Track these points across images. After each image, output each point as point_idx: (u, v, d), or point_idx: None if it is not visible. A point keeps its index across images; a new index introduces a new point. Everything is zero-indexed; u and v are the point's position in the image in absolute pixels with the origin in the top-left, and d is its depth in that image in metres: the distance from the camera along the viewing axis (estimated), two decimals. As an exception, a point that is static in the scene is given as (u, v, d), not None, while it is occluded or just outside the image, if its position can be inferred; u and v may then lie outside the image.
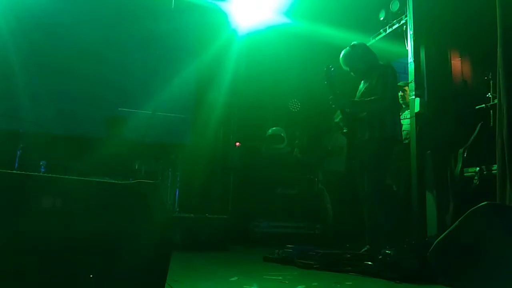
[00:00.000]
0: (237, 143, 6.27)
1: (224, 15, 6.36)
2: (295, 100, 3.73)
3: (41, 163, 4.48)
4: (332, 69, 3.68)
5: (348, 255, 3.20)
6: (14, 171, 1.69)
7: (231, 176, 5.79)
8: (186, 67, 6.59)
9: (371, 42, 5.27)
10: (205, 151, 6.73)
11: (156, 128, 4.87)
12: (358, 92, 3.78)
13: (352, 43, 3.85)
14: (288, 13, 6.45)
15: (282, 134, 5.96)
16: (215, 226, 4.46)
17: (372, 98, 3.51)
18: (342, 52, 3.80)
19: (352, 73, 3.80)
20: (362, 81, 3.77)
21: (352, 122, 3.67)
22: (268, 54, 6.44)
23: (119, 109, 5.86)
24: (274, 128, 6.27)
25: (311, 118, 6.87)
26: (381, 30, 5.17)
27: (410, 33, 4.52)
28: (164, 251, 1.80)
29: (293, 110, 7.19)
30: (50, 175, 1.81)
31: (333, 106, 3.72)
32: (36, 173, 1.83)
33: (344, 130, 3.79)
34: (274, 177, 5.33)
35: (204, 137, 6.76)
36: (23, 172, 1.74)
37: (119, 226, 1.72)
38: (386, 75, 3.56)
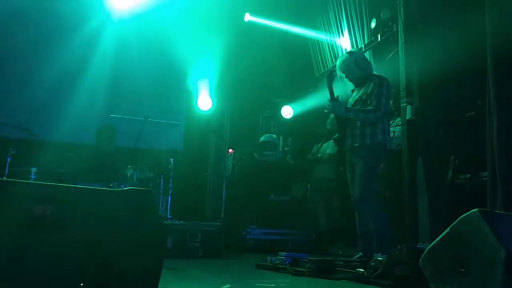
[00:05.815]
0: (230, 150, 6.27)
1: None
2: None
3: (31, 170, 4.43)
4: (335, 74, 3.72)
5: (341, 262, 3.20)
6: (3, 178, 1.68)
7: (224, 182, 5.77)
8: (178, 73, 6.59)
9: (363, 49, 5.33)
10: (198, 157, 6.72)
11: (148, 134, 4.85)
12: (351, 99, 3.81)
13: (349, 50, 3.90)
14: (285, 19, 6.51)
15: (275, 141, 5.97)
16: (207, 233, 4.45)
17: (368, 108, 3.55)
18: (340, 58, 3.84)
19: (346, 79, 3.84)
20: (356, 89, 3.81)
21: (344, 128, 3.70)
22: (260, 61, 6.47)
23: (111, 115, 5.84)
24: (266, 134, 6.28)
25: (303, 125, 6.91)
26: (373, 38, 5.22)
27: (401, 41, 4.58)
28: (156, 258, 1.79)
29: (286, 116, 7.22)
30: (41, 182, 1.80)
31: (326, 111, 3.74)
32: (26, 181, 1.81)
33: (335, 136, 3.82)
34: (266, 183, 5.33)
35: (196, 144, 6.75)
36: (13, 180, 1.72)
37: (111, 233, 1.71)
38: (381, 86, 3.61)
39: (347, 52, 3.85)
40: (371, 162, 3.54)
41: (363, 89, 3.69)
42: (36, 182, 3.92)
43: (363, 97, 3.63)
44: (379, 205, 3.56)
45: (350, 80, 3.84)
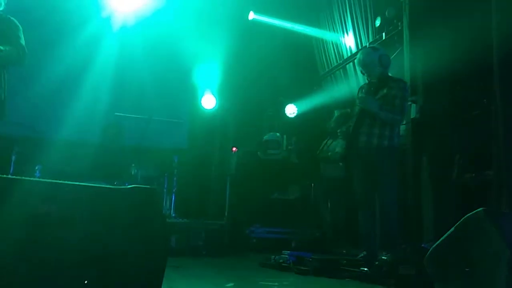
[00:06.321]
0: (234, 148, 6.28)
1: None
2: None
3: (36, 168, 4.45)
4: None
5: (345, 261, 3.19)
6: (9, 176, 1.68)
7: (228, 181, 5.78)
8: (182, 71, 6.59)
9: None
10: (202, 156, 6.73)
11: (152, 133, 4.86)
12: (363, 95, 3.71)
13: (371, 45, 3.83)
14: (289, 17, 6.50)
15: (279, 140, 5.96)
16: (211, 231, 4.45)
17: (395, 110, 3.53)
18: (362, 52, 3.76)
19: (364, 74, 3.76)
20: (373, 87, 3.68)
21: (359, 125, 3.61)
22: (264, 59, 6.47)
23: (116, 113, 5.85)
24: (270, 133, 6.27)
25: (308, 123, 6.89)
26: (377, 36, 5.20)
27: (406, 39, 4.55)
28: (160, 256, 1.79)
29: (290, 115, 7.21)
30: (45, 180, 1.80)
31: (359, 104, 3.63)
32: (31, 178, 1.82)
33: (343, 130, 3.74)
34: (270, 182, 5.33)
35: (200, 142, 6.76)
36: (18, 177, 1.73)
37: (115, 231, 1.71)
38: (405, 90, 3.60)
39: (370, 47, 3.76)
40: (389, 165, 3.53)
41: (385, 89, 3.57)
42: (40, 179, 3.94)
43: (387, 98, 3.54)
44: (393, 205, 3.53)
45: (368, 76, 3.71)
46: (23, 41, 3.26)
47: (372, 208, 3.62)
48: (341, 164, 5.61)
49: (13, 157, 4.36)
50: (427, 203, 4.24)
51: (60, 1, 6.10)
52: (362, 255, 3.51)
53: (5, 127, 3.61)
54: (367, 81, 3.82)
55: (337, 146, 5.60)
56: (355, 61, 3.87)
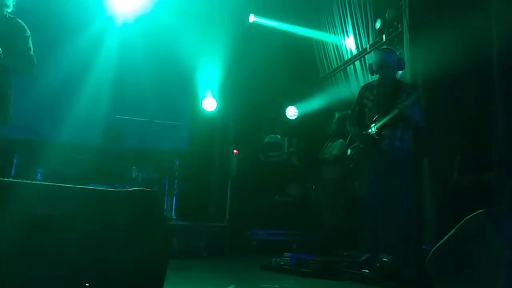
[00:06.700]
0: (235, 151, 6.28)
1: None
2: None
3: (38, 171, 4.46)
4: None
5: (346, 263, 3.19)
6: (10, 179, 1.68)
7: (229, 183, 5.78)
8: (183, 73, 6.60)
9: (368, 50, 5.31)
10: (203, 158, 6.73)
11: (153, 135, 4.87)
12: (374, 96, 3.64)
13: (387, 47, 3.82)
14: (290, 19, 6.51)
15: (279, 142, 5.97)
16: (212, 233, 4.45)
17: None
18: (384, 52, 3.68)
19: (374, 74, 3.68)
20: (385, 90, 3.60)
21: (382, 129, 3.57)
22: (264, 61, 6.48)
23: (116, 116, 5.86)
24: (271, 135, 6.27)
25: (308, 125, 6.90)
26: (377, 38, 5.20)
27: (406, 41, 4.56)
28: (161, 259, 1.79)
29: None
30: (47, 183, 1.81)
31: (397, 110, 3.48)
32: (32, 181, 1.82)
33: (374, 134, 3.64)
34: (271, 184, 5.33)
35: (201, 145, 6.76)
36: (18, 180, 1.73)
37: (116, 233, 1.72)
38: (420, 96, 3.64)
39: (389, 48, 3.73)
40: (407, 168, 3.53)
41: (403, 95, 3.50)
42: (41, 182, 3.95)
43: (409, 105, 3.45)
44: (405, 208, 3.52)
45: (383, 77, 3.61)
46: (32, 51, 3.24)
47: (377, 210, 3.61)
48: (351, 166, 5.59)
49: (15, 160, 4.37)
50: (428, 204, 4.24)
51: (60, 4, 6.12)
52: (365, 257, 3.50)
53: (6, 130, 3.62)
54: (372, 81, 3.78)
55: (335, 148, 5.61)
56: (374, 60, 3.75)
